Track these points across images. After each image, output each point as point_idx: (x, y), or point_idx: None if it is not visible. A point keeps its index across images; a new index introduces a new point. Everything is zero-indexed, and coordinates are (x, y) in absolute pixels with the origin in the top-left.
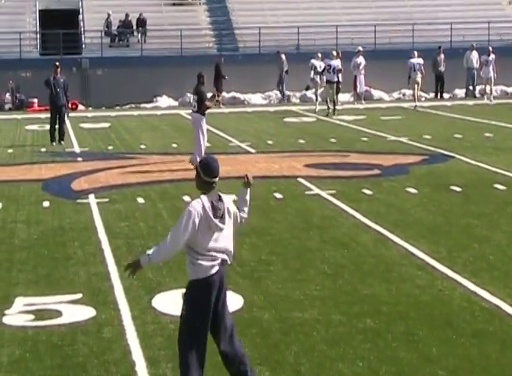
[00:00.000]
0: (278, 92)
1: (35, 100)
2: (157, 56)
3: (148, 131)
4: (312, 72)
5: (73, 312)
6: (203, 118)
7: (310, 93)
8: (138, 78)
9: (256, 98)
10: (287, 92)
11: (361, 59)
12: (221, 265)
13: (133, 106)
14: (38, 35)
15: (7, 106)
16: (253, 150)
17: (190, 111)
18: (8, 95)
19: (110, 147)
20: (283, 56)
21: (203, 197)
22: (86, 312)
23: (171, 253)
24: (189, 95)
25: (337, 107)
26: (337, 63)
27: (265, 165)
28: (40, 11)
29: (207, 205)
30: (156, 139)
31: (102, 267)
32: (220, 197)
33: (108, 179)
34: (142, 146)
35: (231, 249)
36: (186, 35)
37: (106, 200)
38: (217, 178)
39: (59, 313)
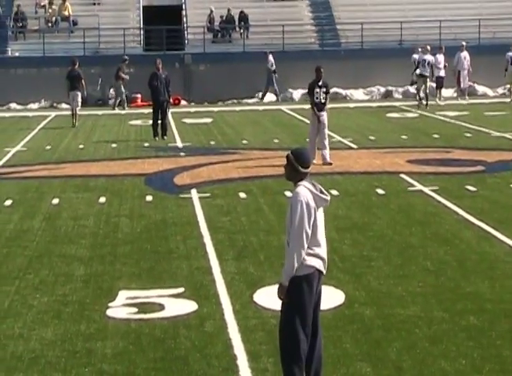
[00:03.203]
0: (379, 88)
1: (138, 96)
2: (259, 52)
3: (250, 127)
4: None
5: (176, 305)
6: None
7: (412, 88)
8: (241, 74)
9: (358, 93)
10: (390, 88)
11: (465, 54)
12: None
13: (235, 101)
14: (142, 31)
15: (111, 102)
16: (355, 146)
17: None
18: (112, 91)
19: (212, 142)
20: (271, 56)
21: (303, 182)
22: (188, 306)
23: (303, 251)
24: (290, 90)
25: (431, 102)
26: (431, 57)
27: (366, 161)
28: (143, 7)
29: (309, 187)
30: (257, 134)
31: (204, 261)
32: (313, 182)
33: (210, 174)
34: (244, 142)
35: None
36: (288, 31)
37: (208, 194)
38: (310, 169)
39: (161, 307)
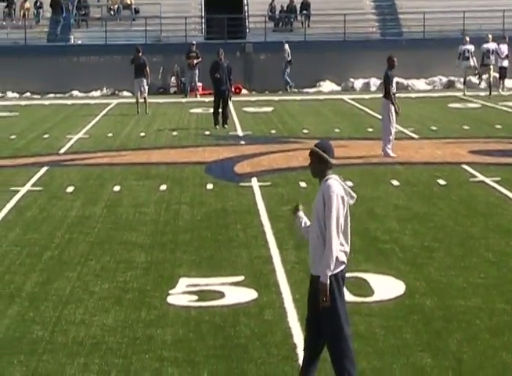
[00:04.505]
0: (441, 78)
1: (200, 84)
2: (321, 41)
3: (310, 116)
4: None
5: (236, 293)
6: (389, 103)
7: (474, 79)
8: (301, 63)
9: (420, 83)
10: (452, 78)
11: None
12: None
13: (296, 90)
14: (203, 20)
15: (172, 90)
16: (416, 136)
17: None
18: (173, 79)
19: (273, 131)
20: (287, 46)
21: (333, 176)
22: (248, 295)
23: (338, 244)
24: (351, 79)
25: (494, 93)
26: (493, 46)
27: (428, 151)
28: None
29: (340, 181)
30: (318, 123)
31: (265, 250)
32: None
33: (271, 163)
34: (305, 131)
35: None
36: (350, 20)
37: (269, 183)
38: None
39: (221, 295)
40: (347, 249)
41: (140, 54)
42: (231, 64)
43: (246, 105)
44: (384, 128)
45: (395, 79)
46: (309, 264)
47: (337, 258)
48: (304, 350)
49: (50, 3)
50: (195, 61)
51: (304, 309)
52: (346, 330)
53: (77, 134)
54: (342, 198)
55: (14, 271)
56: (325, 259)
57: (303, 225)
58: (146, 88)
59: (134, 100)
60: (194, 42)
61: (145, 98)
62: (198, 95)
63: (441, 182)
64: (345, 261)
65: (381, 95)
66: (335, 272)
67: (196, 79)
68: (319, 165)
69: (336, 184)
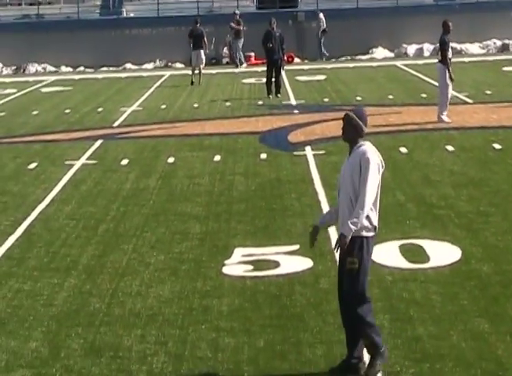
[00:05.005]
0: (495, 41)
1: (252, 54)
2: (373, 7)
3: (364, 83)
4: None
5: (291, 263)
6: (446, 69)
7: None
8: (354, 30)
9: (473, 47)
10: (506, 41)
11: None
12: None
13: (348, 58)
14: None
15: (224, 60)
16: (470, 101)
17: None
18: (225, 50)
19: (326, 99)
20: (321, 15)
21: (367, 143)
22: (303, 263)
23: (370, 207)
24: (404, 45)
25: None
26: None
27: (483, 116)
28: None
29: (373, 148)
30: (371, 90)
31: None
32: None
33: (324, 131)
34: (358, 98)
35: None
36: None
37: (323, 152)
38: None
39: (276, 264)
40: (377, 216)
41: (198, 25)
42: (283, 33)
43: (298, 74)
44: (441, 94)
45: (450, 44)
46: (339, 230)
47: (370, 221)
48: (344, 327)
49: None
50: (233, 25)
51: None
52: (367, 296)
53: (131, 107)
54: (378, 165)
55: (70, 244)
56: (355, 213)
57: (328, 218)
58: (204, 59)
59: (187, 72)
60: (237, 12)
61: (200, 69)
62: (245, 65)
63: (497, 146)
64: (376, 226)
65: (436, 60)
66: (367, 235)
67: (238, 50)
68: (352, 131)
69: (372, 150)
